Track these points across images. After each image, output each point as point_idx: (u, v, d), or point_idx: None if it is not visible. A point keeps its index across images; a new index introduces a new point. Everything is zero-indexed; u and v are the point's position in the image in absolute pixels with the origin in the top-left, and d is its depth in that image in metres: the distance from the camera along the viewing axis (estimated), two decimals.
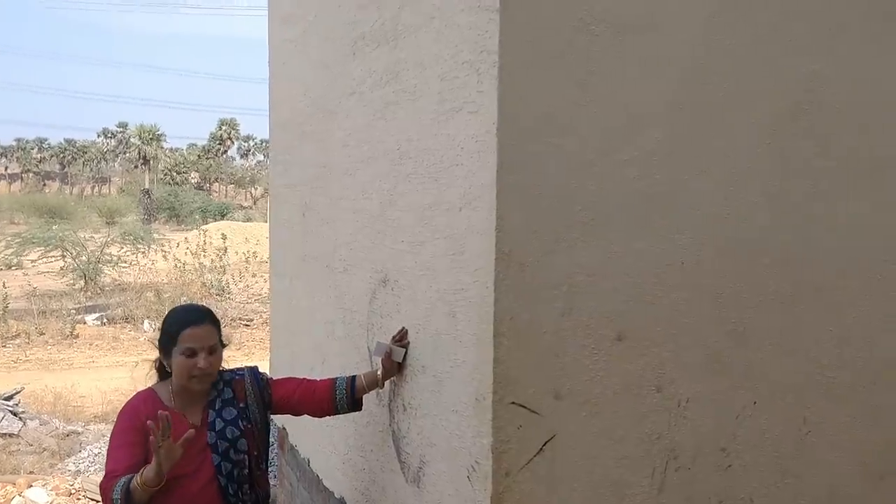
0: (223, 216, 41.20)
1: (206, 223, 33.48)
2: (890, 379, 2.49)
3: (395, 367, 2.54)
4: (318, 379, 2.72)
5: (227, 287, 20.44)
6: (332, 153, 3.20)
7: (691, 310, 2.23)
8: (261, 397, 2.62)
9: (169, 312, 2.64)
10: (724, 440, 2.30)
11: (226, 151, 78.80)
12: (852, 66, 2.37)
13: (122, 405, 2.56)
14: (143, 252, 23.46)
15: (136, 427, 2.38)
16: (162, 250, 23.32)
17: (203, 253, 20.98)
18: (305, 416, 2.72)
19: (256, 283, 20.48)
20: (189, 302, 3.03)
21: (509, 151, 2.01)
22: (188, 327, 2.46)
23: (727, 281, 2.27)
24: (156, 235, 25.72)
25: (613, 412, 2.17)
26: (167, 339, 2.49)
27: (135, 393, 2.61)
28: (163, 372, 2.57)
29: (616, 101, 2.12)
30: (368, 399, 2.74)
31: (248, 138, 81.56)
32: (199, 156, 77.15)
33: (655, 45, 2.15)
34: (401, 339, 2.52)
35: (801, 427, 2.39)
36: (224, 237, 22.16)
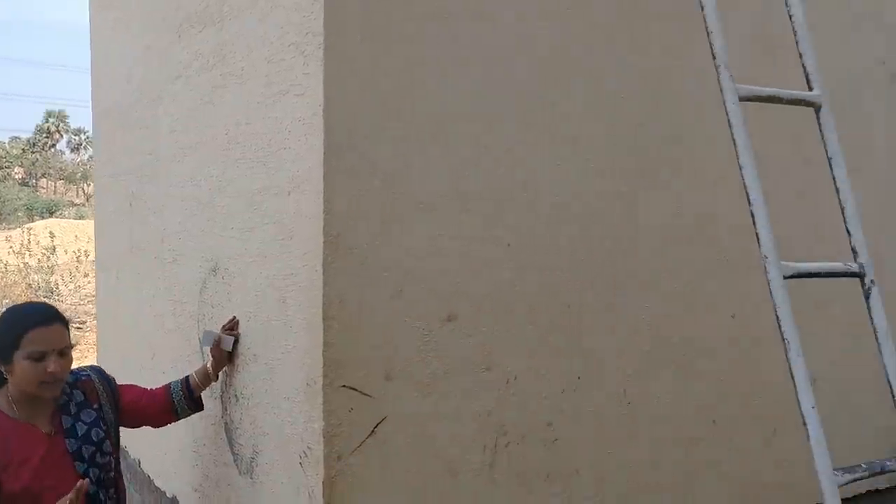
0: (51, 214, 38.59)
1: (33, 221, 31.24)
2: (698, 352, 2.68)
3: (224, 357, 2.47)
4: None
5: (57, 288, 19.17)
6: (159, 140, 3.07)
7: (518, 290, 2.31)
8: (112, 398, 2.43)
9: (6, 312, 2.27)
10: (551, 415, 2.40)
11: (54, 145, 73.73)
12: (667, 58, 2.53)
13: None
14: None
15: None
16: None
17: (28, 252, 19.56)
18: None
19: (89, 283, 19.31)
20: (17, 303, 2.72)
21: (336, 134, 2.00)
22: (34, 328, 2.15)
23: (554, 262, 2.36)
24: None
25: (444, 392, 2.21)
26: (6, 343, 2.16)
27: None
28: None
29: (444, 85, 2.16)
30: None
31: (78, 131, 76.52)
32: (23, 149, 71.75)
33: (483, 34, 2.21)
34: (231, 328, 2.45)
35: (623, 399, 2.54)
36: (52, 235, 20.74)
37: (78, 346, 14.32)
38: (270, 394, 2.30)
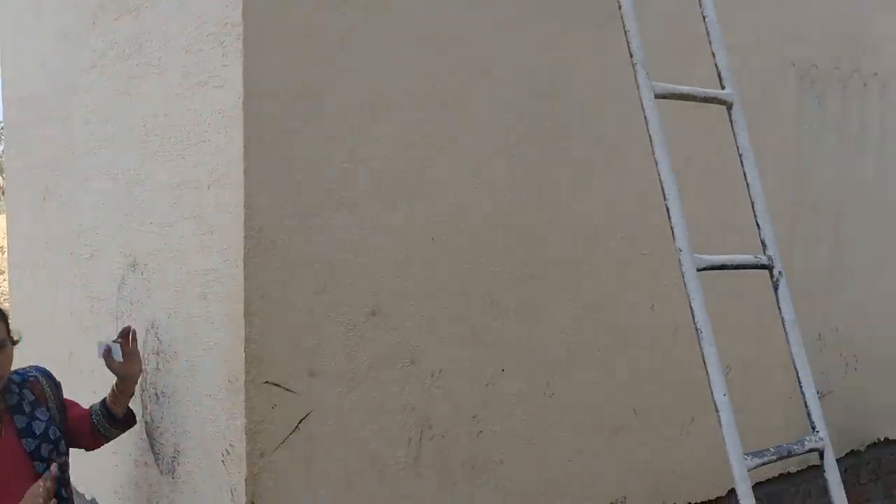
0: None
1: None
2: (618, 343, 2.75)
3: (120, 367, 2.29)
4: None
5: None
6: (73, 132, 2.97)
7: (444, 284, 2.32)
8: (59, 404, 2.28)
9: None
10: (475, 408, 2.42)
11: None
12: (586, 57, 2.58)
13: None
14: None
15: None
16: None
17: None
18: None
19: (4, 280, 18.61)
20: None
21: (256, 126, 1.98)
22: None
23: (478, 256, 2.39)
24: None
25: (369, 387, 2.21)
26: None
27: None
28: None
29: (366, 78, 2.15)
30: None
31: None
32: None
33: (404, 26, 2.21)
34: (125, 335, 2.30)
35: (546, 390, 2.58)
36: None
37: None
38: (192, 392, 2.26)
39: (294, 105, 2.03)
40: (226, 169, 2.03)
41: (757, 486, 3.02)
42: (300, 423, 2.10)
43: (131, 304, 2.60)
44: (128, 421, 2.39)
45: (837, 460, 2.20)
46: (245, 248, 1.99)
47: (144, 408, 2.53)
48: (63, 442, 2.23)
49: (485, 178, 2.39)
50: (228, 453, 2.09)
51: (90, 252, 2.89)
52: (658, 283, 2.82)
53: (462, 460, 2.40)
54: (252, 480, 2.04)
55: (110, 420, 2.34)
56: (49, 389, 2.28)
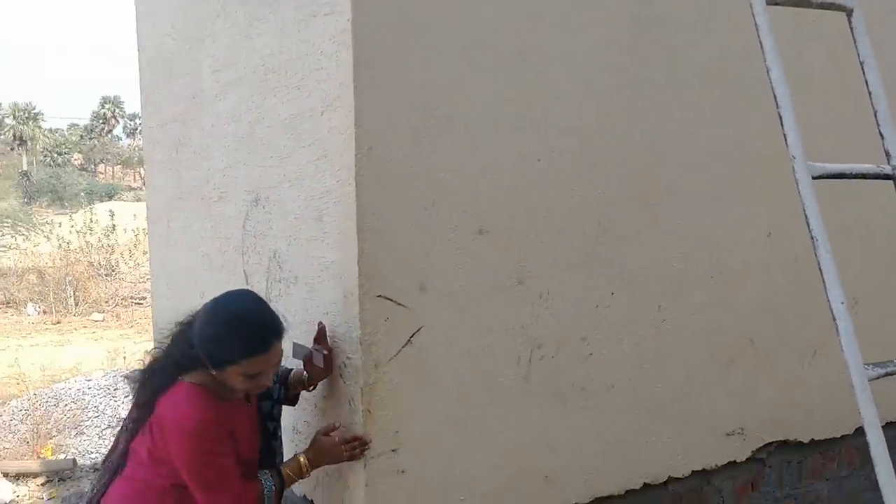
0: (111, 198, 39.61)
1: (93, 205, 32.13)
2: (732, 271, 2.69)
3: (318, 373, 2.27)
4: None
5: (117, 266, 19.73)
6: (201, 82, 3.16)
7: (550, 206, 2.35)
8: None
9: (228, 323, 2.04)
10: (585, 330, 2.44)
11: (110, 131, 75.53)
12: None
13: (176, 419, 2.00)
14: (24, 235, 22.39)
15: (219, 437, 2.02)
16: (44, 233, 22.31)
17: (90, 232, 20.16)
18: None
19: (147, 261, 19.83)
20: (233, 303, 2.27)
21: (365, 49, 2.05)
22: (256, 356, 1.99)
23: (581, 180, 2.39)
24: (37, 218, 24.57)
25: (478, 304, 2.26)
26: (221, 358, 2.00)
27: (178, 400, 2.02)
28: (189, 362, 2.05)
29: (470, 4, 2.19)
30: None
31: (134, 116, 78.15)
32: (81, 136, 73.71)
33: None
34: (319, 339, 2.26)
35: (657, 317, 2.56)
36: (112, 214, 21.30)
37: (137, 322, 14.78)
38: (312, 312, 2.38)
39: (401, 27, 2.10)
40: (338, 92, 2.12)
41: (886, 427, 2.90)
42: (412, 337, 2.18)
43: (255, 237, 2.76)
44: (293, 402, 2.43)
45: None
46: (356, 167, 2.07)
47: None
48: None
49: (593, 102, 2.39)
50: (345, 365, 2.20)
51: (219, 194, 3.08)
52: (775, 211, 2.74)
53: (572, 381, 2.42)
54: (368, 390, 2.13)
55: (284, 399, 2.39)
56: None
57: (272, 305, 2.60)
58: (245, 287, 2.69)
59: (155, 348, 2.22)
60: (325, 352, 2.23)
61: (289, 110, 2.41)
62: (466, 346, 2.26)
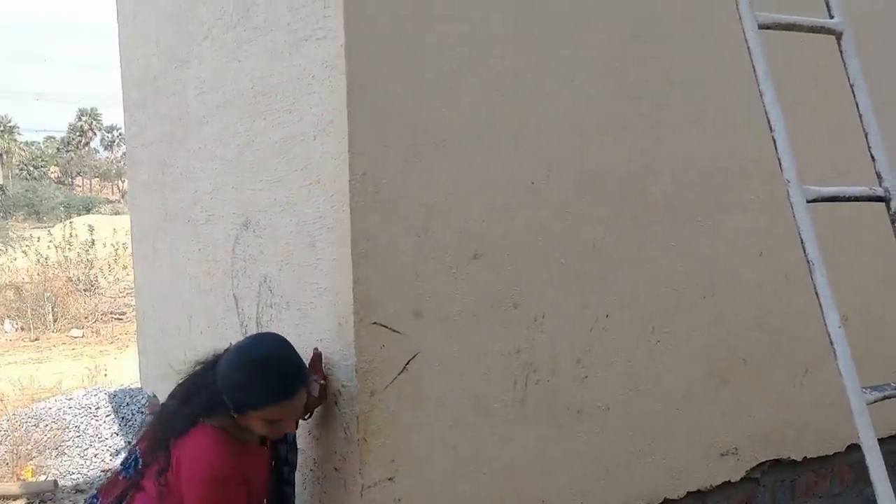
0: (88, 211, 39.25)
1: (71, 219, 31.82)
2: (725, 290, 2.69)
3: (314, 401, 2.22)
4: None
5: (96, 281, 19.53)
6: (187, 104, 3.13)
7: (543, 227, 2.34)
8: None
9: (253, 369, 2.02)
10: (580, 352, 2.43)
11: (87, 143, 74.89)
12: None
13: (194, 464, 2.00)
14: (1, 251, 22.16)
15: (233, 484, 2.01)
16: (21, 248, 22.07)
17: (69, 246, 19.95)
18: None
19: (128, 275, 19.64)
20: (259, 348, 2.20)
21: (359, 74, 2.04)
22: (279, 403, 2.00)
23: (577, 199, 2.39)
24: (13, 233, 24.31)
25: (473, 329, 2.24)
26: (243, 402, 2.00)
27: (198, 444, 2.01)
28: (212, 405, 2.04)
29: (463, 24, 2.18)
30: None
31: (111, 128, 77.47)
32: (58, 149, 73.03)
33: None
34: (315, 367, 2.23)
35: (651, 337, 2.56)
36: (91, 229, 21.10)
37: (118, 338, 14.63)
38: (305, 338, 2.35)
39: (393, 52, 2.09)
40: (331, 117, 2.10)
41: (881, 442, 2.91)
42: (408, 363, 2.16)
43: (244, 261, 2.73)
44: None
45: None
46: (350, 192, 2.05)
47: None
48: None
49: (585, 122, 2.39)
50: (341, 393, 2.17)
51: (206, 217, 3.05)
52: (767, 230, 2.75)
53: (568, 404, 2.41)
54: (364, 418, 2.11)
55: None
56: None
57: (264, 330, 2.59)
58: (240, 314, 2.67)
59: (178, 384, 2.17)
60: (322, 381, 2.20)
61: (279, 134, 2.39)
62: (462, 371, 2.24)
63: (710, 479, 2.71)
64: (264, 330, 2.59)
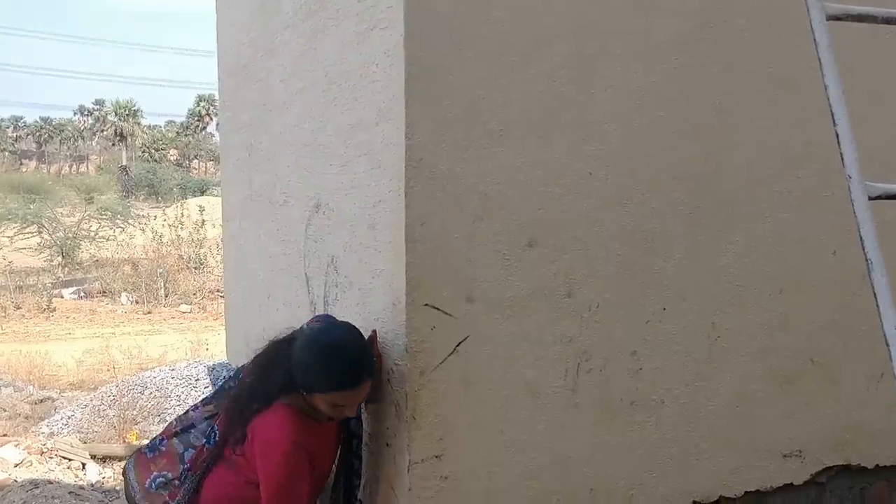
0: (202, 192, 41.00)
1: (186, 199, 33.34)
2: (794, 288, 2.62)
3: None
4: None
5: (205, 260, 20.45)
6: (271, 91, 3.27)
7: (600, 218, 2.34)
8: None
9: (324, 355, 2.19)
10: (635, 344, 2.42)
11: (204, 128, 78.22)
12: None
13: (268, 441, 2.20)
14: (121, 227, 23.45)
15: (302, 460, 2.21)
16: (139, 226, 23.31)
17: (181, 226, 20.96)
18: None
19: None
20: (332, 335, 2.26)
21: (417, 63, 2.10)
22: (344, 390, 2.17)
23: (634, 191, 2.38)
24: (133, 211, 25.68)
25: (525, 315, 2.28)
26: (312, 385, 2.17)
27: (272, 422, 2.21)
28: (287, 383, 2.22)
29: (523, 16, 2.21)
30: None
31: None
32: (177, 132, 76.63)
33: None
34: (372, 345, 2.31)
35: (710, 333, 2.52)
36: (202, 210, 22.09)
37: (222, 315, 15.31)
38: (364, 317, 2.44)
39: (452, 42, 2.14)
40: (390, 104, 2.17)
41: None
42: (458, 345, 2.21)
43: (315, 242, 2.84)
44: None
45: None
46: (406, 177, 2.12)
47: None
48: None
49: (647, 115, 2.37)
50: (393, 371, 2.25)
51: (284, 199, 3.18)
52: (843, 227, 2.65)
53: (621, 395, 2.41)
54: (414, 396, 2.18)
55: None
56: None
57: (330, 309, 2.70)
58: (310, 293, 2.79)
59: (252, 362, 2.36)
60: (375, 357, 2.29)
61: (347, 120, 2.48)
62: (512, 357, 2.28)
63: (770, 481, 2.65)
64: (330, 309, 2.69)
